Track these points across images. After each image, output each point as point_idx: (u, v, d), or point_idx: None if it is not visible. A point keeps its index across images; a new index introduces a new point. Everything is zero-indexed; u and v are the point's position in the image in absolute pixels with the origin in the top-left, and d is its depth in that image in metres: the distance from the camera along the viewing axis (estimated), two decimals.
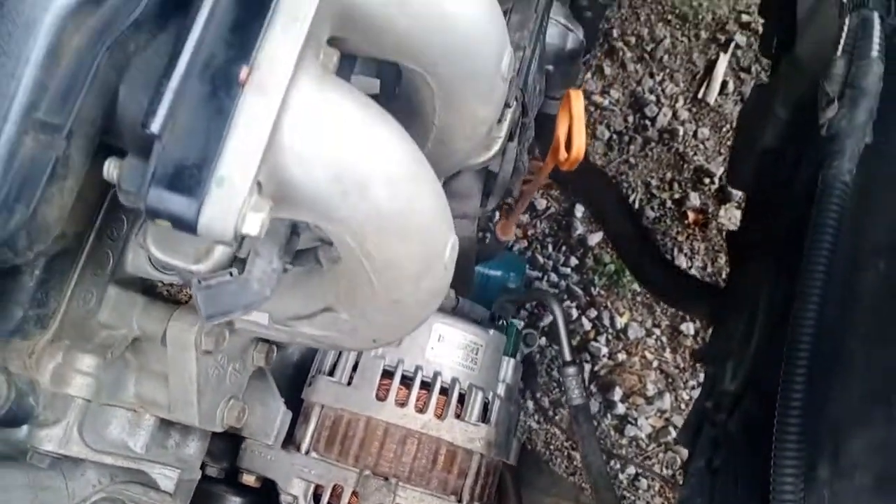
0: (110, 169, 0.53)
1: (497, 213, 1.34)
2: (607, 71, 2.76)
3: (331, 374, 0.96)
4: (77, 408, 0.76)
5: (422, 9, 0.63)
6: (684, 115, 2.68)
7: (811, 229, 0.66)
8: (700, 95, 2.68)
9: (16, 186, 0.50)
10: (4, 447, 0.75)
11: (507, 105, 0.96)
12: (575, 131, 0.90)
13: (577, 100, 0.90)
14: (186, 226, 0.52)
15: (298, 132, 0.55)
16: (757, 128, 1.43)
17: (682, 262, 2.50)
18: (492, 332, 1.04)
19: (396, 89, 0.75)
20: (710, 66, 2.72)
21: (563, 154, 0.91)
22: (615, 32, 2.80)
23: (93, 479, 0.82)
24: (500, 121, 0.96)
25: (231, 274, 0.65)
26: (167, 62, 0.52)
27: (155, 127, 0.50)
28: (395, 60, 0.67)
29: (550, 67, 1.21)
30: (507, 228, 1.19)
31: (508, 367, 1.06)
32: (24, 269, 0.66)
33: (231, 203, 0.52)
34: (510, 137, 1.02)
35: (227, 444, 0.96)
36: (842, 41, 0.72)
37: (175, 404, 0.81)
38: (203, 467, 0.90)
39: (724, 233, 2.51)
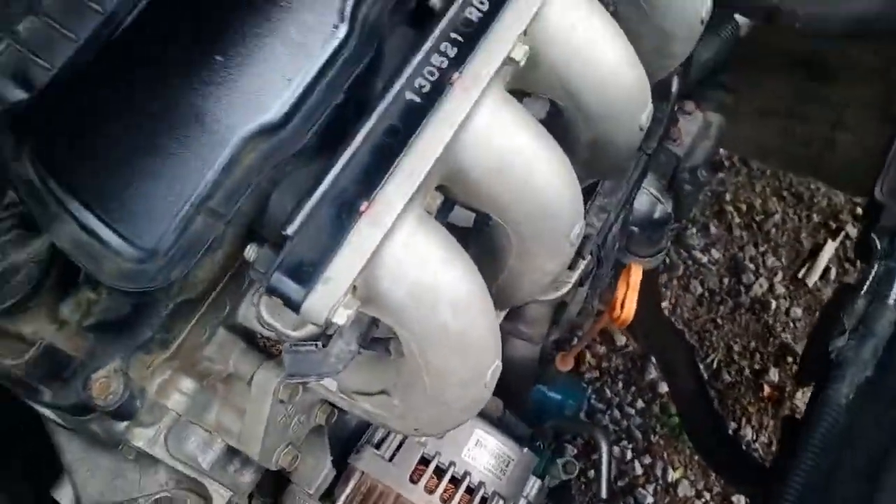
0: (250, 252, 0.71)
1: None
2: (713, 230, 2.86)
3: (377, 446, 1.10)
4: (169, 418, 0.92)
5: (516, 181, 0.79)
6: (780, 290, 2.72)
7: (801, 443, 0.75)
8: (800, 275, 2.72)
9: (182, 250, 0.68)
10: (104, 435, 0.92)
11: (581, 256, 1.11)
12: (628, 299, 1.03)
13: (636, 273, 1.04)
14: (293, 306, 0.69)
15: (393, 257, 0.71)
16: (832, 328, 1.49)
17: (748, 433, 2.49)
18: (525, 450, 1.15)
19: (489, 223, 0.91)
20: (816, 250, 2.76)
21: (616, 313, 1.04)
22: (728, 196, 2.90)
23: (162, 480, 0.98)
24: (571, 267, 1.10)
25: (316, 346, 0.81)
26: (311, 186, 0.70)
27: (290, 230, 0.68)
28: (486, 212, 0.83)
29: (635, 229, 1.35)
30: (566, 360, 1.31)
31: (534, 486, 1.16)
32: (162, 301, 0.85)
33: (330, 298, 0.68)
34: (581, 283, 1.16)
35: (275, 483, 1.10)
36: (867, 283, 0.83)
37: (244, 437, 0.96)
38: (250, 497, 1.05)
39: (795, 415, 2.50)
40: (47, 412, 0.89)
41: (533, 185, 0.80)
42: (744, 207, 2.92)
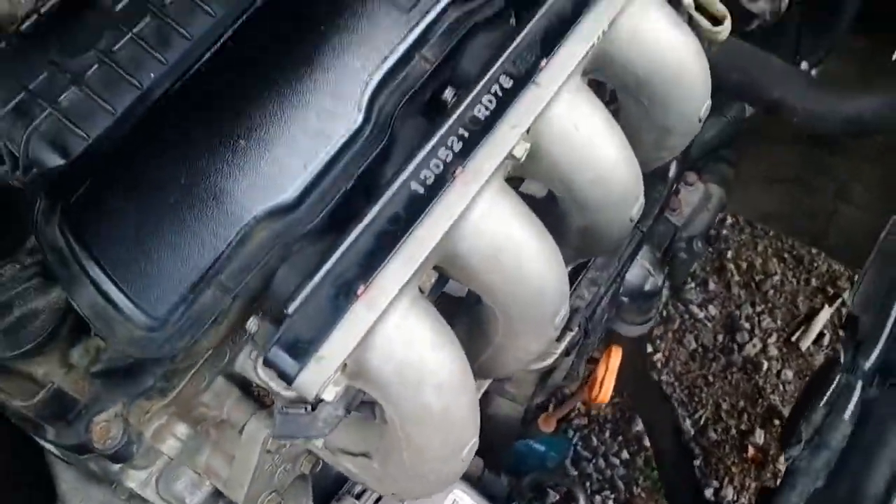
0: (251, 324, 0.76)
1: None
2: (711, 286, 2.89)
3: (358, 497, 1.15)
4: (162, 461, 0.97)
5: (507, 269, 0.84)
6: (773, 352, 2.75)
7: None
8: (794, 338, 2.75)
9: (189, 322, 0.73)
10: (100, 472, 0.97)
11: (569, 328, 1.15)
12: (606, 380, 1.08)
13: (615, 357, 1.08)
14: (287, 380, 0.74)
15: (384, 337, 0.76)
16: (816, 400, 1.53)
17: (729, 493, 2.52)
18: None
19: (480, 300, 0.95)
20: (812, 314, 2.79)
21: (595, 392, 1.09)
22: (730, 254, 2.94)
23: None
24: (558, 339, 1.15)
25: (305, 409, 0.85)
26: (315, 265, 0.75)
27: (290, 309, 0.73)
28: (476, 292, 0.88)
29: (626, 299, 1.40)
30: (548, 421, 1.35)
31: None
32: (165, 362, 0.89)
33: (321, 375, 0.73)
34: (567, 353, 1.20)
35: None
36: (828, 393, 0.87)
37: (231, 482, 1.00)
38: None
39: (777, 479, 2.53)
40: (49, 446, 0.94)
41: (522, 274, 0.85)
42: (744, 266, 2.95)
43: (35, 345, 0.83)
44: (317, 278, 0.75)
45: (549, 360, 1.14)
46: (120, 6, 0.79)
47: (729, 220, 2.99)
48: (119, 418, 0.90)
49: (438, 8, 0.83)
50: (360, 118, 0.80)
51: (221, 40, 0.80)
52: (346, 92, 0.80)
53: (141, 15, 0.79)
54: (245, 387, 1.03)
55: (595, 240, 0.98)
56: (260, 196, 0.75)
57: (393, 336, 0.76)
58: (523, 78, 0.85)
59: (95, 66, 0.77)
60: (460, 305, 1.01)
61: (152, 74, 0.79)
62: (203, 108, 0.78)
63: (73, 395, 0.88)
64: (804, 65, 1.55)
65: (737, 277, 2.92)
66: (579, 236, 0.98)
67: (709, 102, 1.04)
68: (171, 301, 0.72)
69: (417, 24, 0.82)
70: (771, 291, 2.89)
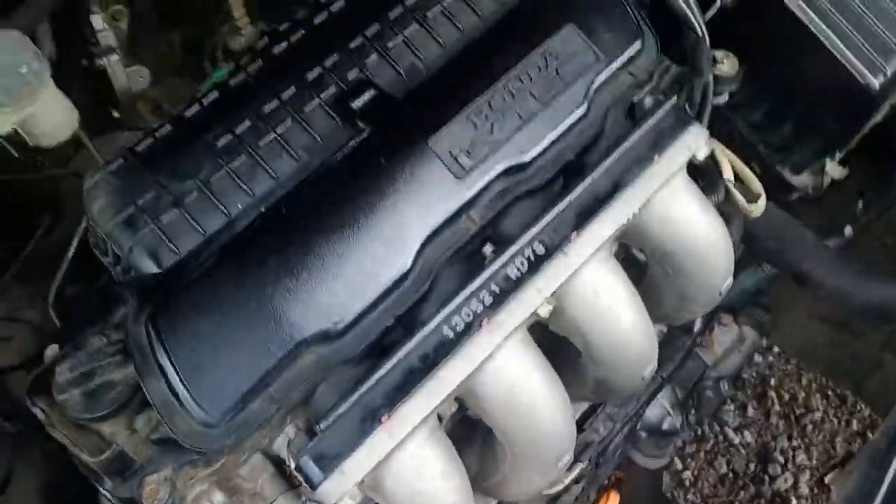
0: (289, 431, 0.89)
1: None
2: (750, 412, 2.89)
3: None
4: None
5: (519, 414, 0.95)
6: (804, 490, 2.72)
7: None
8: (827, 480, 2.72)
9: (235, 426, 0.86)
10: None
11: (579, 461, 1.24)
12: None
13: (612, 502, 1.16)
14: (311, 486, 0.86)
15: (400, 462, 0.88)
16: None
17: None
18: None
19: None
20: (848, 458, 2.76)
21: None
22: (773, 381, 2.94)
23: None
24: (569, 469, 1.24)
25: None
26: (349, 390, 0.88)
27: (323, 426, 0.86)
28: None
29: (644, 434, 1.48)
30: None
31: None
32: None
33: (341, 487, 0.85)
34: (577, 481, 1.29)
35: None
36: None
37: None
38: None
39: None
40: (104, 493, 1.08)
41: (532, 420, 0.96)
42: (786, 397, 2.94)
43: (110, 411, 0.98)
44: (348, 402, 0.87)
45: (558, 488, 1.23)
46: (221, 143, 0.94)
47: (776, 349, 2.99)
48: (167, 481, 1.03)
49: (489, 178, 0.96)
50: (407, 265, 0.93)
51: (301, 183, 0.94)
52: (398, 242, 0.93)
53: (238, 152, 0.94)
54: (279, 465, 1.15)
55: (608, 391, 1.08)
56: (312, 323, 0.89)
57: (408, 462, 0.88)
58: (555, 247, 0.97)
59: (195, 192, 0.92)
60: (478, 424, 1.12)
61: (239, 205, 0.93)
62: (277, 241, 0.92)
63: (132, 456, 1.02)
64: (848, 230, 1.61)
65: (777, 407, 2.91)
66: (594, 384, 1.08)
67: (730, 280, 1.14)
68: (226, 406, 0.86)
69: (468, 189, 0.95)
70: (810, 427, 2.86)
